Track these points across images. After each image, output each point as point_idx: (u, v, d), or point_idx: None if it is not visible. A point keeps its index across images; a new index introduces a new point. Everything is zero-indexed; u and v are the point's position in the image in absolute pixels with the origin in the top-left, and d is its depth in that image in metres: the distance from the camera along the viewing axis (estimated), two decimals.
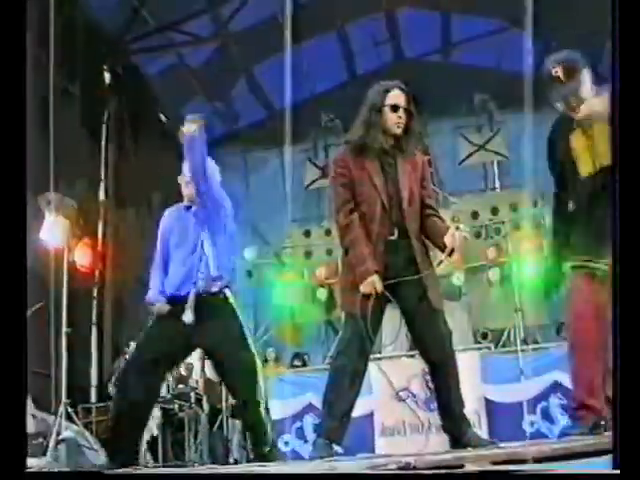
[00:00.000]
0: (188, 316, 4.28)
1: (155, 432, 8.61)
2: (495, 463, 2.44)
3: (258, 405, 4.41)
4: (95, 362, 10.55)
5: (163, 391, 9.01)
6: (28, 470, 2.33)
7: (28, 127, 2.37)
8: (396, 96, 3.91)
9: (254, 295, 13.73)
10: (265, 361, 11.35)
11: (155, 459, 8.44)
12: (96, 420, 8.67)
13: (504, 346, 10.32)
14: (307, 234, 12.80)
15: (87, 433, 7.38)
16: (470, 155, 13.07)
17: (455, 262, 9.94)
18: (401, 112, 3.89)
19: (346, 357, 3.78)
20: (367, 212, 3.81)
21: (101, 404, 9.13)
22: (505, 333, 10.59)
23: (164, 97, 12.09)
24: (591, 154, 3.55)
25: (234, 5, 11.19)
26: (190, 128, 4.33)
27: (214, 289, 4.39)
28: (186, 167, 4.60)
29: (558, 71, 3.54)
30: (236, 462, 9.49)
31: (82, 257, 9.83)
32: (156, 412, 8.67)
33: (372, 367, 7.28)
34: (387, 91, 3.92)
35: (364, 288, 3.70)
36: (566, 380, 3.80)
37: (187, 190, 4.62)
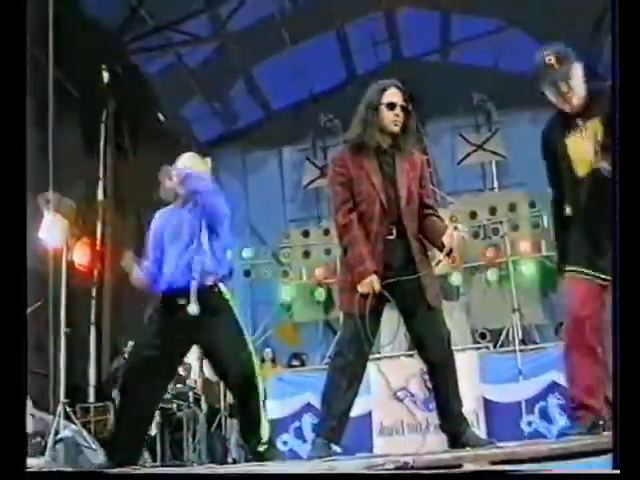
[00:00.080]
0: (193, 308, 4.27)
1: (153, 432, 8.60)
2: (493, 463, 2.44)
3: (255, 403, 4.41)
4: (94, 362, 10.55)
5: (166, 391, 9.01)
6: (28, 470, 2.32)
7: (27, 127, 2.37)
8: (393, 94, 3.91)
9: (252, 295, 13.75)
10: (263, 361, 11.36)
11: (153, 459, 8.43)
12: (94, 420, 8.67)
13: (502, 346, 10.33)
14: (305, 234, 12.80)
15: (85, 432, 7.36)
16: (468, 155, 13.08)
17: (453, 262, 9.95)
18: (398, 110, 3.89)
19: (344, 357, 3.78)
20: (366, 211, 3.81)
21: (99, 404, 9.13)
22: (503, 333, 10.60)
23: (163, 97, 12.09)
24: (586, 154, 3.56)
25: (232, 5, 11.19)
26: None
27: (208, 282, 4.38)
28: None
29: (551, 59, 3.56)
30: (235, 462, 9.50)
31: (81, 257, 9.83)
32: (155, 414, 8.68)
33: (371, 367, 7.28)
34: (384, 89, 3.92)
35: (362, 288, 3.70)
36: (564, 380, 3.79)
37: (180, 189, 4.61)
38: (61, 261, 8.09)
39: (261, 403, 4.42)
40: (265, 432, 4.37)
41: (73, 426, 7.28)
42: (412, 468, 2.36)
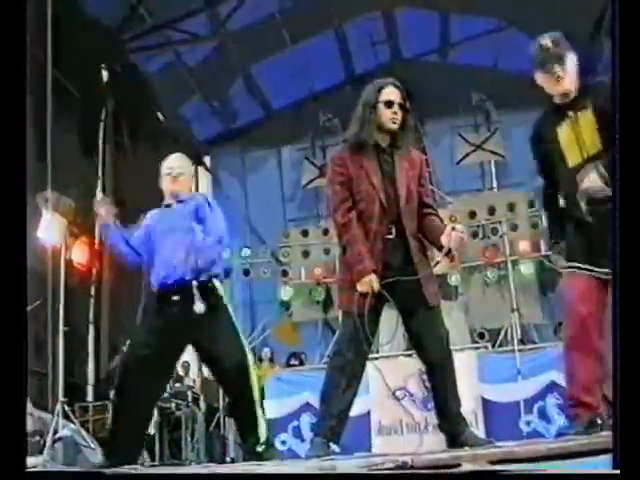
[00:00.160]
0: (199, 306, 4.28)
1: (152, 431, 8.60)
2: (492, 462, 2.44)
3: (250, 403, 4.40)
4: (92, 361, 10.55)
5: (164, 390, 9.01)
6: (28, 470, 2.32)
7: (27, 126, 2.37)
8: (390, 92, 3.91)
9: (251, 294, 13.76)
10: (261, 360, 11.37)
11: (152, 458, 8.44)
12: (93, 419, 8.67)
13: (501, 346, 10.33)
14: (305, 233, 12.80)
15: (84, 432, 7.37)
16: (467, 155, 13.10)
17: (452, 261, 9.96)
18: (396, 108, 3.89)
19: (344, 356, 3.78)
20: (365, 210, 3.80)
21: (98, 403, 9.13)
22: (502, 333, 10.60)
23: (162, 96, 12.09)
24: (578, 144, 3.58)
25: (232, 4, 11.20)
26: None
27: (202, 277, 4.37)
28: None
29: (547, 41, 3.60)
30: (233, 461, 9.50)
31: (79, 256, 9.84)
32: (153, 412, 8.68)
33: (369, 366, 7.25)
34: (381, 88, 3.93)
35: (361, 287, 3.69)
36: (563, 380, 3.79)
37: (173, 186, 4.62)
38: (60, 260, 8.09)
39: (257, 403, 4.42)
40: (263, 432, 4.37)
41: (72, 425, 7.28)
42: (411, 467, 2.36)
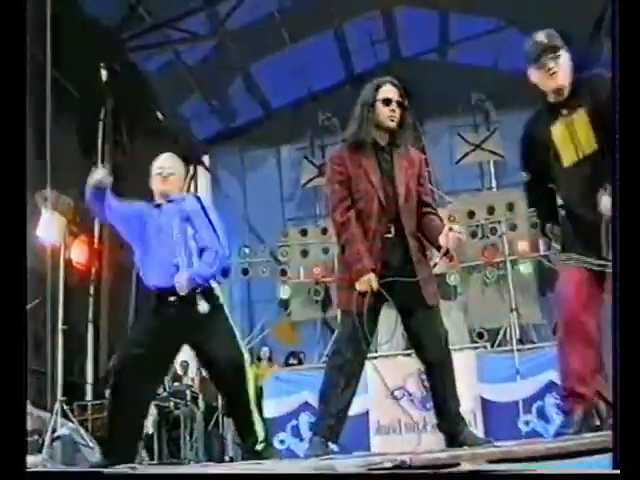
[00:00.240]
0: (203, 306, 4.27)
1: (151, 430, 8.61)
2: (491, 462, 2.44)
3: (246, 403, 4.40)
4: (91, 360, 10.55)
5: (159, 389, 9.01)
6: (28, 470, 2.32)
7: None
8: (388, 90, 3.91)
9: (250, 293, 13.77)
10: (260, 360, 11.37)
11: (151, 457, 8.44)
12: (92, 417, 8.67)
13: (500, 345, 10.34)
14: (304, 233, 12.80)
15: (83, 430, 7.37)
16: (467, 154, 13.10)
17: (451, 261, 9.97)
18: (394, 105, 3.88)
19: (342, 355, 3.78)
20: (364, 209, 3.80)
21: (97, 401, 9.13)
22: (501, 332, 10.61)
23: (161, 95, 12.08)
24: (573, 143, 3.59)
25: (231, 3, 11.19)
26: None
27: (198, 280, 4.35)
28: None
29: (542, 38, 3.62)
30: (232, 460, 9.51)
31: (78, 254, 9.83)
32: (152, 410, 8.67)
33: (368, 366, 7.28)
34: (379, 86, 3.93)
35: (360, 286, 3.69)
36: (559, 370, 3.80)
37: (164, 186, 4.60)
38: (59, 259, 8.09)
39: (253, 403, 4.42)
40: (260, 431, 4.37)
41: (70, 424, 7.28)
42: (409, 467, 2.36)
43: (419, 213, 3.91)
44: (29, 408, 7.14)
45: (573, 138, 3.59)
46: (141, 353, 4.31)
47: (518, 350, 9.51)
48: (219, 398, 10.10)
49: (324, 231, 12.22)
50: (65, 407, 7.37)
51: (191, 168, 13.45)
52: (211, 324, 4.35)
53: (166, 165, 4.65)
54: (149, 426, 8.61)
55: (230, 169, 14.60)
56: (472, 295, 11.52)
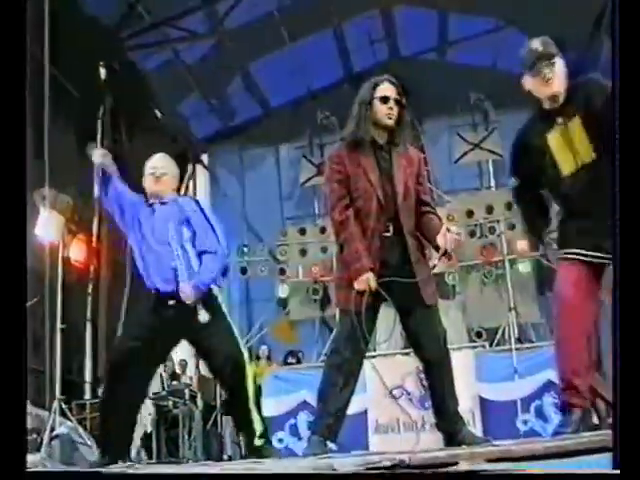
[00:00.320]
0: (204, 316, 4.28)
1: (149, 429, 8.61)
2: (489, 461, 2.44)
3: (245, 400, 4.41)
4: (89, 358, 10.54)
5: (157, 388, 9.02)
6: (28, 470, 2.31)
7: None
8: (385, 88, 3.92)
9: (249, 292, 13.76)
10: (259, 359, 11.38)
11: (149, 456, 8.44)
12: (90, 416, 8.67)
13: (498, 345, 10.35)
14: (302, 232, 12.80)
15: (81, 429, 7.37)
16: (465, 154, 13.10)
17: (449, 262, 9.97)
18: (392, 103, 3.88)
19: (341, 354, 3.78)
20: (363, 208, 3.80)
21: (95, 400, 9.13)
22: (499, 332, 10.62)
23: (160, 93, 12.07)
24: (571, 152, 3.59)
25: (230, 2, 11.18)
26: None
27: (202, 289, 4.35)
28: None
29: (537, 46, 3.62)
30: (230, 458, 9.51)
31: (77, 253, 9.82)
32: (150, 409, 8.68)
33: (366, 365, 7.29)
34: (376, 85, 3.93)
35: (358, 285, 3.69)
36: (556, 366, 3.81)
37: (156, 186, 4.60)
38: (57, 257, 8.08)
39: (252, 400, 4.42)
40: (260, 427, 4.38)
41: (69, 423, 7.28)
42: (408, 466, 2.36)
43: (418, 212, 3.91)
44: (28, 407, 7.14)
45: (571, 147, 3.59)
46: (137, 346, 4.32)
47: (516, 349, 9.51)
48: (217, 397, 10.12)
49: (323, 230, 12.22)
50: (63, 406, 7.37)
51: (190, 167, 13.45)
52: (209, 324, 4.36)
53: (159, 165, 4.65)
54: (148, 425, 8.61)
55: (229, 168, 14.59)
56: (471, 294, 11.52)
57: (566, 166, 3.62)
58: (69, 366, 9.41)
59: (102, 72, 10.40)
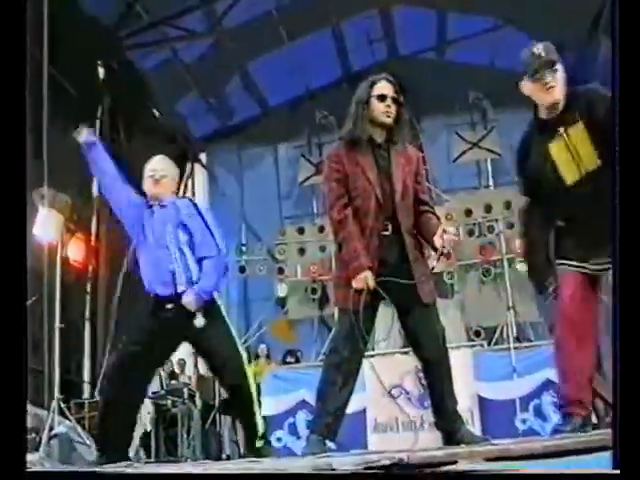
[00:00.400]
0: (199, 321, 4.28)
1: (148, 428, 8.61)
2: (488, 460, 2.45)
3: (245, 401, 4.41)
4: (88, 358, 10.54)
5: (156, 387, 9.02)
6: (28, 470, 2.31)
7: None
8: (383, 87, 3.91)
9: (247, 291, 13.76)
10: (257, 357, 11.38)
11: (148, 455, 8.44)
12: (89, 415, 8.67)
13: (497, 344, 10.35)
14: (301, 231, 12.80)
15: (80, 428, 7.37)
16: (464, 153, 13.10)
17: (448, 260, 9.98)
18: (389, 101, 3.88)
19: (339, 353, 3.78)
20: (361, 207, 3.80)
21: (93, 399, 9.13)
22: (498, 331, 10.62)
23: (158, 92, 12.07)
24: (575, 161, 3.55)
25: (228, 1, 11.17)
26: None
27: (204, 297, 4.36)
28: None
29: (540, 51, 3.58)
30: (229, 458, 9.51)
31: (75, 252, 9.82)
32: (149, 408, 8.68)
33: (365, 364, 7.30)
34: (374, 83, 3.93)
35: (356, 284, 3.69)
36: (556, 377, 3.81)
37: (156, 189, 4.59)
38: (56, 257, 8.08)
39: (254, 401, 4.43)
40: (261, 432, 4.39)
41: (67, 422, 7.28)
42: (407, 465, 2.36)
43: (417, 211, 3.91)
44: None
45: (574, 155, 3.55)
46: (138, 350, 4.32)
47: (515, 348, 9.51)
48: (216, 396, 10.12)
49: (321, 229, 12.22)
50: (62, 405, 7.37)
51: (188, 166, 13.45)
52: (209, 327, 4.36)
53: (158, 168, 4.65)
54: (147, 424, 8.61)
55: (227, 167, 14.59)
56: (469, 293, 11.53)
57: (569, 176, 3.57)
58: (68, 365, 9.41)
59: (101, 71, 10.41)
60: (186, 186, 13.11)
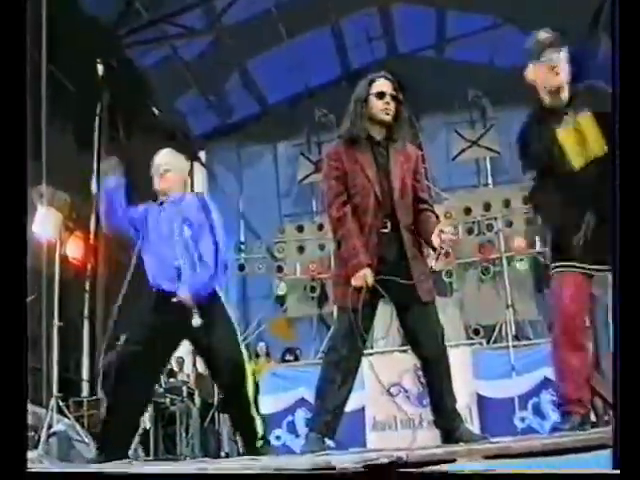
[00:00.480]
0: (196, 320, 4.26)
1: (147, 426, 8.60)
2: (487, 457, 2.44)
3: (245, 402, 4.41)
4: (87, 356, 10.53)
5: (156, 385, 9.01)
6: (29, 470, 2.31)
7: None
8: (381, 84, 3.91)
9: (246, 289, 13.76)
10: (257, 355, 11.38)
11: (147, 453, 8.43)
12: (87, 414, 8.66)
13: (496, 342, 10.36)
14: (300, 229, 12.80)
15: (78, 426, 7.36)
16: (463, 151, 13.10)
17: (447, 258, 9.98)
18: (388, 98, 3.87)
19: (338, 352, 3.77)
20: (360, 204, 3.79)
21: (92, 397, 9.12)
22: (497, 329, 10.63)
23: (158, 90, 12.06)
24: (583, 146, 3.55)
25: None
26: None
27: (200, 291, 4.34)
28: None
29: (546, 36, 3.59)
30: (227, 455, 9.51)
31: (74, 250, 9.81)
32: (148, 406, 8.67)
33: (364, 362, 7.30)
34: (372, 81, 3.93)
35: (355, 281, 3.68)
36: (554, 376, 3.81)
37: (162, 184, 4.58)
38: (54, 255, 8.07)
39: (251, 399, 4.43)
40: (260, 432, 4.38)
41: (66, 420, 7.27)
42: (405, 463, 2.36)
43: (416, 209, 3.91)
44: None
45: (582, 140, 3.54)
46: (139, 350, 4.32)
47: (514, 346, 9.53)
48: (215, 394, 10.12)
49: (320, 227, 12.23)
50: (61, 403, 7.36)
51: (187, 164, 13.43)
52: (211, 324, 4.35)
53: (162, 162, 4.63)
54: (145, 422, 8.60)
55: (226, 165, 14.59)
56: (468, 291, 11.54)
57: (577, 159, 3.56)
58: (66, 364, 9.39)
59: (100, 69, 10.40)
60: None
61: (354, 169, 3.83)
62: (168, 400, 9.28)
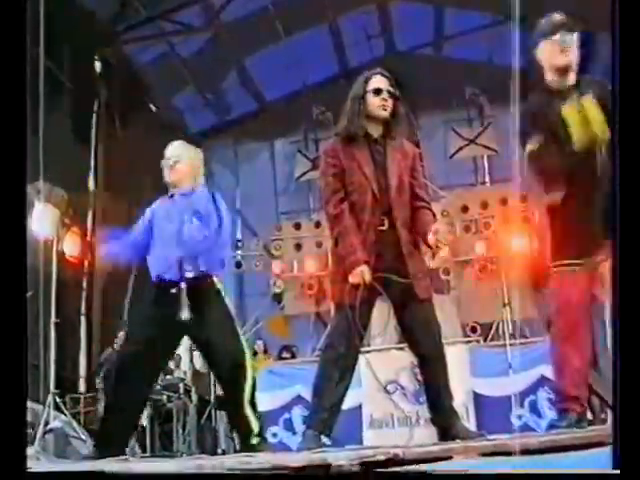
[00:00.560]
0: (185, 314, 4.24)
1: (144, 423, 8.60)
2: (483, 455, 2.45)
3: (246, 396, 4.40)
4: (84, 353, 10.53)
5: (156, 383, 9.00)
6: (29, 470, 2.30)
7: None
8: (378, 81, 3.90)
9: (243, 287, 13.75)
10: (254, 353, 11.36)
11: (143, 450, 8.43)
12: (84, 410, 8.67)
13: (493, 340, 10.36)
14: (297, 226, 12.80)
15: (75, 423, 7.37)
16: (460, 149, 13.10)
17: (442, 259, 9.98)
18: (385, 95, 3.87)
19: (335, 349, 3.77)
20: (357, 201, 3.79)
21: (89, 394, 9.12)
22: (494, 327, 10.63)
23: (155, 87, 12.06)
24: (584, 126, 3.53)
25: None
26: None
27: (196, 273, 4.33)
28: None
29: (559, 16, 3.67)
30: (224, 453, 9.50)
31: (71, 247, 9.79)
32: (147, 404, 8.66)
33: (361, 359, 7.28)
34: (369, 78, 3.92)
35: (353, 278, 3.68)
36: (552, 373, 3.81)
37: (171, 176, 4.57)
38: (51, 252, 8.06)
39: (249, 396, 4.42)
40: (256, 429, 4.38)
41: (63, 417, 7.27)
42: (402, 460, 2.36)
43: (413, 207, 3.90)
44: None
45: (586, 122, 3.53)
46: (140, 350, 4.31)
47: (511, 344, 9.52)
48: (212, 391, 10.11)
49: (317, 224, 12.22)
50: (58, 400, 7.36)
51: None
52: (213, 316, 4.35)
53: (171, 154, 4.59)
54: (142, 419, 8.60)
55: (224, 162, 14.56)
56: (465, 289, 11.54)
57: (579, 137, 3.54)
58: (63, 361, 9.39)
59: (97, 65, 10.39)
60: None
61: (351, 166, 3.82)
62: (165, 397, 9.27)
